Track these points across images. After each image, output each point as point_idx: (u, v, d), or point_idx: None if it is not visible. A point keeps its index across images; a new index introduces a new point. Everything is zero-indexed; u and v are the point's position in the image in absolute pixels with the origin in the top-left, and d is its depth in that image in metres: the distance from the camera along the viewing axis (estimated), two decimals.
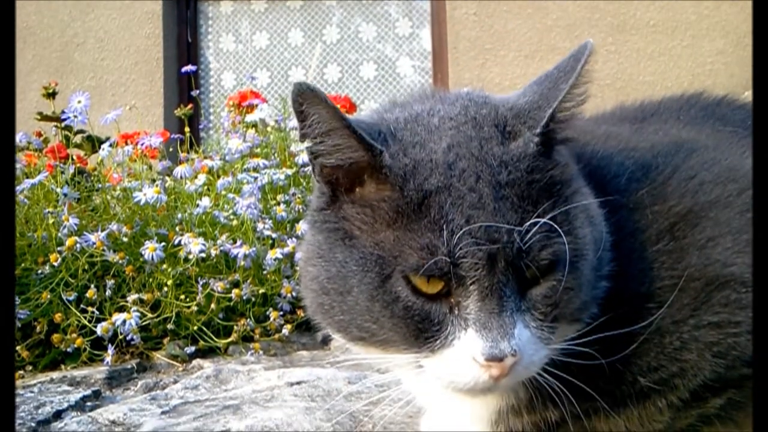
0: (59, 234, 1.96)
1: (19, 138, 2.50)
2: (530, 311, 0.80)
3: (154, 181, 2.41)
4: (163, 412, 1.35)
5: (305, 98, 0.82)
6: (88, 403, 1.47)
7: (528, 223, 0.77)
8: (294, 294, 2.07)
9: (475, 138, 0.84)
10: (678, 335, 0.89)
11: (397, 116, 0.90)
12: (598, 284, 0.86)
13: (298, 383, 1.49)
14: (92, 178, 2.33)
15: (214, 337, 1.98)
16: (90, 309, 1.88)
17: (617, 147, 1.02)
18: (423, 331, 0.79)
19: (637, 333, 0.88)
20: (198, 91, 3.12)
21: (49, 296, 1.88)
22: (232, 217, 2.18)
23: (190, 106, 2.89)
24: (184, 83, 4.87)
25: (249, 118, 2.57)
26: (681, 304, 0.89)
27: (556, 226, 0.78)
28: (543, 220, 0.77)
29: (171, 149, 2.86)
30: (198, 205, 2.20)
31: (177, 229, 2.14)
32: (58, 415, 1.37)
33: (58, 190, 2.11)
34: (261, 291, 2.07)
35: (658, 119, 1.19)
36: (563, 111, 0.86)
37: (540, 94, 0.87)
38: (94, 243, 1.91)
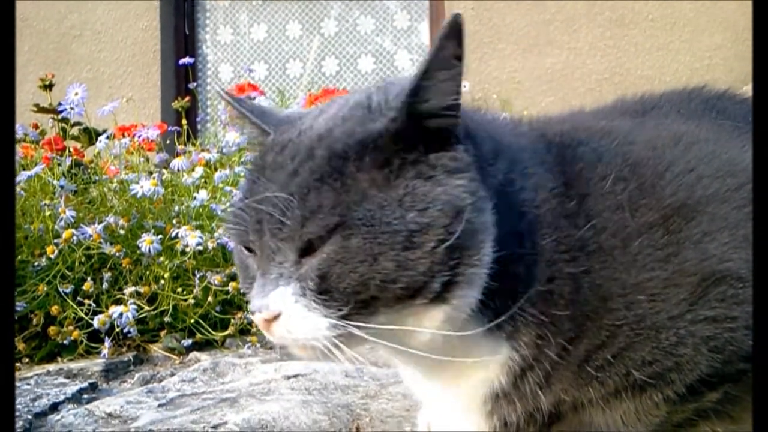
0: (56, 226, 1.95)
1: (16, 130, 2.49)
2: (302, 279, 0.83)
3: (151, 173, 2.41)
4: (159, 405, 1.35)
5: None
6: (85, 396, 1.47)
7: (286, 197, 0.83)
8: None
9: (328, 120, 0.90)
10: (674, 330, 0.88)
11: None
12: (436, 267, 0.83)
13: (295, 376, 1.50)
14: (89, 170, 2.32)
15: (211, 330, 1.98)
16: (87, 301, 1.87)
17: (613, 143, 1.01)
18: (245, 279, 0.92)
19: (627, 324, 0.88)
20: (195, 84, 3.10)
21: (45, 288, 1.87)
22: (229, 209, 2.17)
23: (187, 98, 2.87)
24: (181, 75, 4.85)
25: None
26: (677, 299, 0.88)
27: (324, 204, 0.82)
28: (278, 195, 0.83)
29: (168, 141, 2.85)
30: (195, 198, 2.19)
31: (174, 221, 2.13)
32: (54, 407, 1.37)
33: (55, 182, 2.10)
34: None
35: (658, 113, 1.19)
36: (417, 100, 0.85)
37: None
38: (90, 235, 1.91)
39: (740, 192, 0.93)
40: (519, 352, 0.90)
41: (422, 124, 0.86)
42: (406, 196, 0.83)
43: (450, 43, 0.83)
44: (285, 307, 0.84)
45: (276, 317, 0.84)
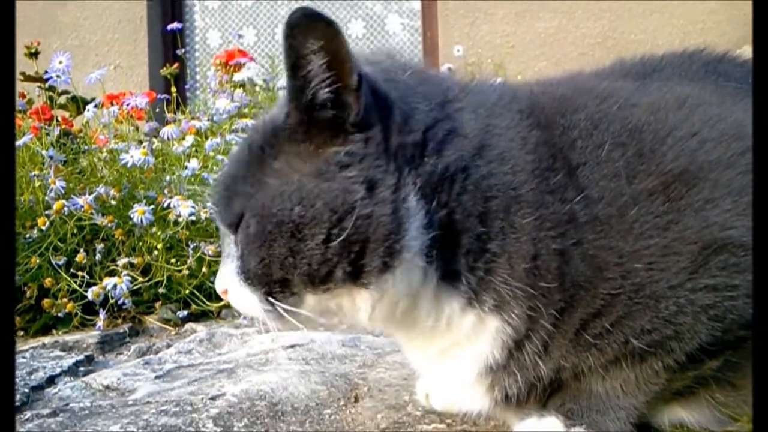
0: (46, 197, 1.93)
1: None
2: (234, 258, 0.93)
3: (140, 142, 2.38)
4: (157, 377, 1.35)
5: None
6: (81, 369, 1.46)
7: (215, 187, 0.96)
8: None
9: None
10: (674, 299, 0.87)
11: None
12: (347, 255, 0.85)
13: (292, 347, 1.49)
14: (78, 139, 2.29)
15: (206, 301, 1.97)
16: (80, 273, 1.86)
17: (614, 107, 0.99)
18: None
19: (625, 293, 0.87)
20: (184, 50, 3.05)
21: (38, 261, 1.86)
22: None
23: (176, 65, 2.82)
24: (169, 42, 4.78)
25: (237, 77, 2.53)
26: (678, 268, 0.87)
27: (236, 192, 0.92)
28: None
29: (158, 110, 2.81)
30: (186, 167, 2.17)
31: (165, 191, 2.11)
32: (51, 380, 1.36)
33: (44, 152, 2.07)
34: None
35: (660, 75, 1.17)
36: (297, 96, 0.88)
37: None
38: (82, 206, 1.89)
39: (745, 157, 0.91)
40: (511, 325, 0.90)
41: (312, 118, 0.88)
42: (295, 190, 0.86)
43: (296, 42, 0.83)
44: (229, 283, 0.93)
45: (225, 291, 0.94)
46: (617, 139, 0.93)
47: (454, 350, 0.95)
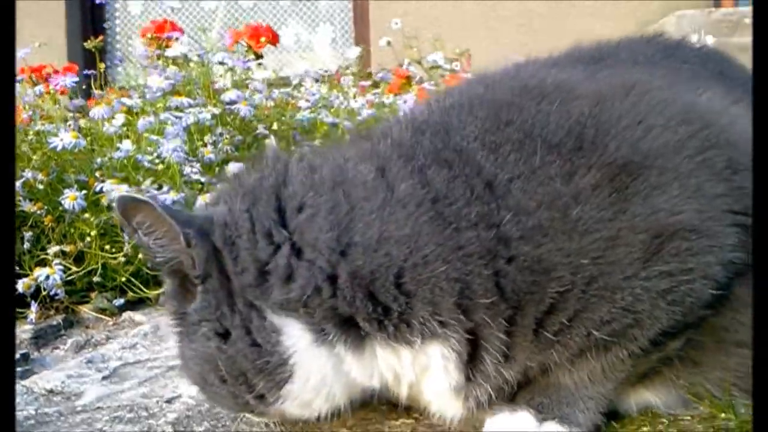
0: None
1: None
2: None
3: (66, 121, 2.25)
4: (104, 378, 1.28)
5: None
6: (18, 369, 1.38)
7: None
8: None
9: None
10: (630, 290, 0.87)
11: None
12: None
13: None
14: None
15: (143, 288, 1.89)
16: None
17: (555, 104, 0.96)
18: None
19: (576, 288, 0.87)
20: (107, 22, 2.88)
21: None
22: (156, 160, 2.06)
23: (100, 37, 2.68)
24: (88, 12, 4.52)
25: (170, 52, 2.41)
26: (631, 259, 0.87)
27: None
28: None
29: (84, 87, 2.65)
30: (119, 149, 2.06)
31: (97, 174, 2.00)
32: None
33: None
34: None
35: (614, 61, 1.17)
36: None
37: None
38: None
39: (693, 141, 0.92)
40: (454, 350, 0.89)
41: (171, 283, 0.96)
42: (180, 358, 0.98)
43: (128, 222, 0.90)
44: None
45: None
46: (555, 139, 0.91)
47: (416, 382, 0.95)
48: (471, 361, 0.90)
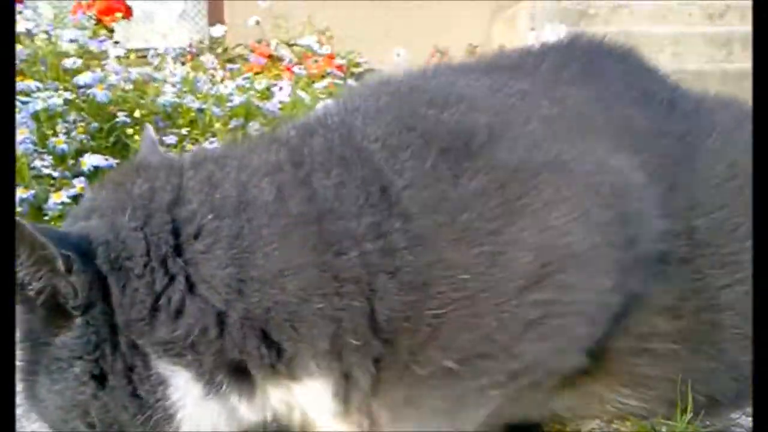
0: None
1: None
2: None
3: None
4: None
5: None
6: None
7: None
8: None
9: None
10: (496, 315, 0.81)
11: None
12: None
13: None
14: None
15: None
16: None
17: (454, 115, 0.92)
18: None
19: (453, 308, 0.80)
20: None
21: None
22: None
23: None
24: None
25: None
26: (512, 279, 0.81)
27: None
28: None
29: None
30: None
31: None
32: None
33: None
34: None
35: (531, 68, 1.11)
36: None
37: None
38: None
39: (591, 156, 0.91)
40: (332, 387, 0.84)
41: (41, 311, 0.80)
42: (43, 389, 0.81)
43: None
44: None
45: None
46: (446, 144, 0.86)
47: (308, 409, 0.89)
48: (347, 394, 0.84)
